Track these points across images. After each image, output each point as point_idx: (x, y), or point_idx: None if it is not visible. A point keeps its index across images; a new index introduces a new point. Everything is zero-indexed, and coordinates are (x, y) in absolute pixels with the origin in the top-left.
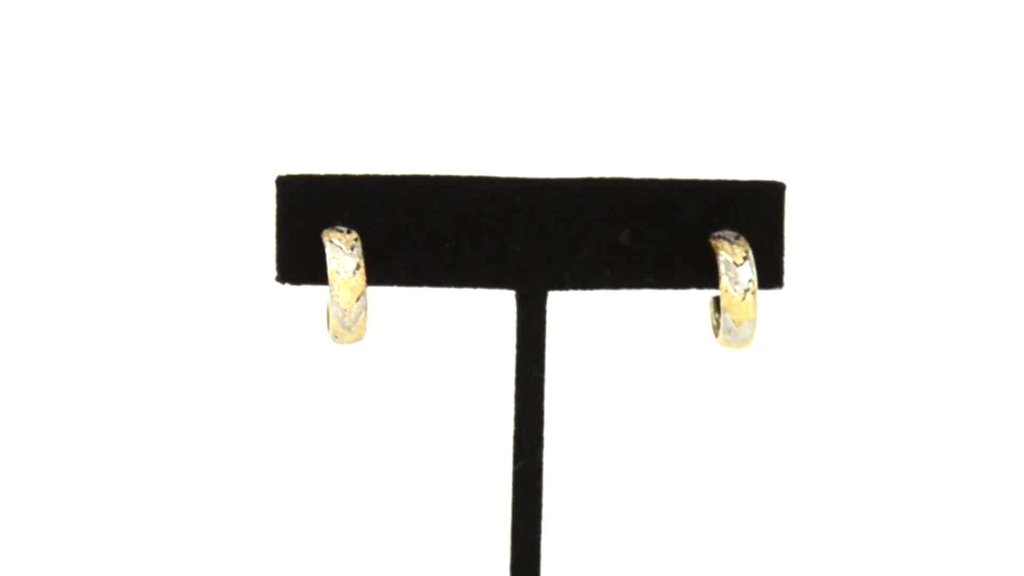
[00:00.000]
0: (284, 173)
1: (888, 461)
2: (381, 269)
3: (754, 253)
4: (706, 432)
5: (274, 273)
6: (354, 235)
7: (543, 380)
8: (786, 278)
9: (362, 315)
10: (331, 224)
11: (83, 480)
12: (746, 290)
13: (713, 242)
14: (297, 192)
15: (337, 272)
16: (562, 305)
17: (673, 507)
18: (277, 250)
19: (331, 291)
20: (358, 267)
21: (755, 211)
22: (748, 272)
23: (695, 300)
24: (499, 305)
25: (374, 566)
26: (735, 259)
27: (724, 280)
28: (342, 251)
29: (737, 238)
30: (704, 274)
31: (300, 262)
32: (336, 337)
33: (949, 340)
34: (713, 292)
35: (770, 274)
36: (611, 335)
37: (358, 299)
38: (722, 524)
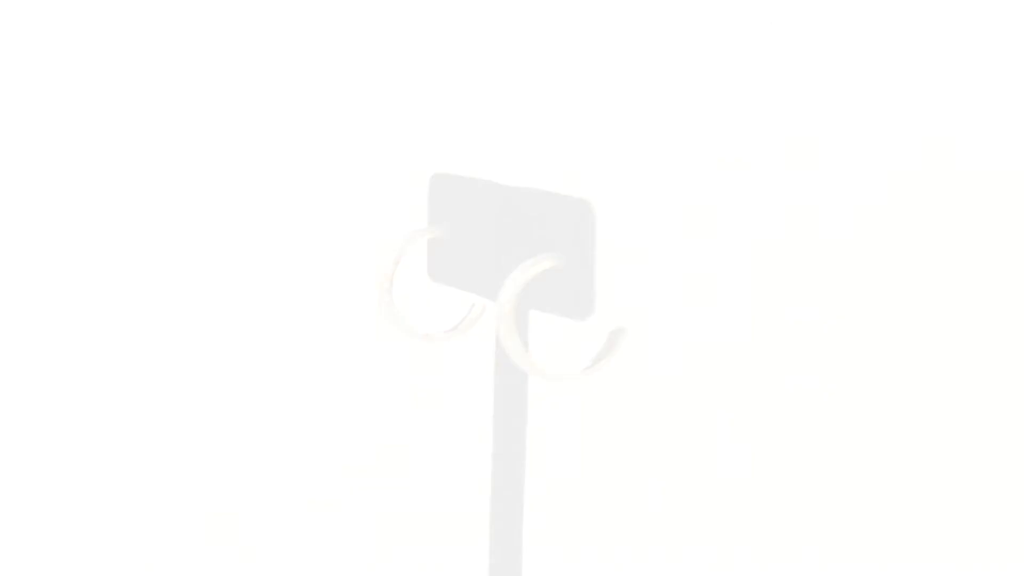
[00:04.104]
0: (439, 172)
1: None
2: (447, 271)
3: (564, 278)
4: None
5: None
6: (428, 234)
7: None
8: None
9: (391, 308)
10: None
11: (222, 446)
12: (504, 307)
13: None
14: (445, 191)
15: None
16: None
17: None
18: (428, 250)
19: None
20: (394, 265)
21: (564, 230)
22: (505, 290)
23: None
24: None
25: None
26: (512, 279)
27: None
28: (391, 248)
29: (543, 257)
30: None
31: (446, 263)
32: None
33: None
34: None
35: (573, 303)
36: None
37: (388, 291)
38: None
